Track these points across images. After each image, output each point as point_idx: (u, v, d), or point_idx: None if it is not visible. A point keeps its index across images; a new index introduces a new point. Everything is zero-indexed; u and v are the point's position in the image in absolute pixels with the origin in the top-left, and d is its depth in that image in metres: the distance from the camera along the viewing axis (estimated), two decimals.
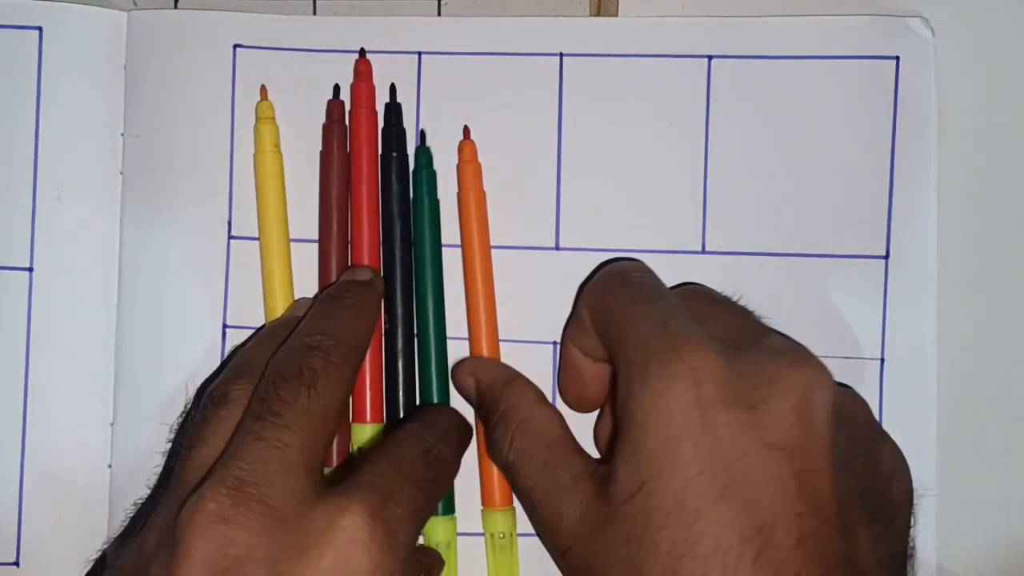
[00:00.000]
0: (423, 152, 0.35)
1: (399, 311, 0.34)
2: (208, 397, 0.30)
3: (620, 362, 0.29)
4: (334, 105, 0.35)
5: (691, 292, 0.32)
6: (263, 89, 0.35)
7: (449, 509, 0.34)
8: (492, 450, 0.32)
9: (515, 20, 0.35)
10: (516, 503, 0.34)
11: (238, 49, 0.35)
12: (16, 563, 0.35)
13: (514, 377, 0.33)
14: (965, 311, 0.36)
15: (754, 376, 0.27)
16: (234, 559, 0.25)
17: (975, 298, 0.36)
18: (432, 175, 0.35)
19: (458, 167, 0.35)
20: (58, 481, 0.35)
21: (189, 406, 0.34)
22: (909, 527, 0.29)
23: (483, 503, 0.34)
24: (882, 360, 0.35)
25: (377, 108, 0.35)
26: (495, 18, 0.36)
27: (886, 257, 0.35)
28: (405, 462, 0.29)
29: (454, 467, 0.32)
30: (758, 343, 0.28)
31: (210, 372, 0.35)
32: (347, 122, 0.35)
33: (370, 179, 0.34)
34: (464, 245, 0.35)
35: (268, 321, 0.34)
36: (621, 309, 0.30)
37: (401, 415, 0.34)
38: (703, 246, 0.35)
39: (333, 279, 0.34)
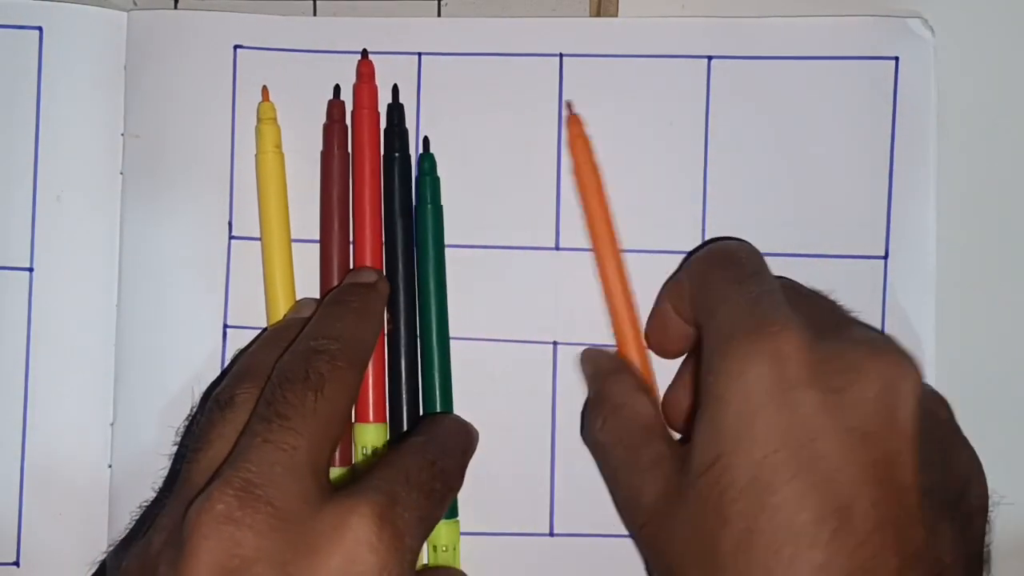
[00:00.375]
0: (427, 158, 0.35)
1: (402, 311, 0.34)
2: (214, 400, 0.30)
3: (706, 336, 0.29)
4: (335, 105, 0.35)
5: (784, 281, 0.33)
6: (264, 90, 0.35)
7: (452, 513, 0.34)
8: (584, 431, 0.33)
9: (515, 20, 0.35)
10: None
11: (238, 49, 0.35)
12: (16, 563, 0.35)
13: (620, 368, 0.34)
14: (965, 311, 0.36)
15: (839, 361, 0.27)
16: (242, 559, 0.25)
17: (975, 298, 0.36)
18: (436, 181, 0.35)
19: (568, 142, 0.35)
20: (58, 481, 0.35)
21: (195, 410, 0.34)
22: (985, 532, 0.29)
23: None
24: None
25: (378, 109, 0.35)
26: (495, 18, 0.36)
27: (886, 257, 0.35)
28: (411, 472, 0.29)
29: (459, 478, 0.32)
30: (845, 330, 0.28)
31: (212, 373, 0.35)
32: (348, 122, 0.35)
33: (372, 180, 0.34)
34: (591, 230, 0.35)
35: (270, 322, 0.34)
36: (717, 286, 0.30)
37: (404, 415, 0.34)
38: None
39: (335, 279, 0.34)
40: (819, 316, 0.29)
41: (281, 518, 0.26)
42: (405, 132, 0.35)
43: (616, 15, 0.36)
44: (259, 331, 0.35)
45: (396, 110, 0.35)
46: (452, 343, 0.35)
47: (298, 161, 0.35)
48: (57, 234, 0.35)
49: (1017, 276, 0.36)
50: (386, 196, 0.35)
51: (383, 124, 0.35)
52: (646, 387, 0.33)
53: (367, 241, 0.34)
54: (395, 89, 0.35)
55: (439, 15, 0.36)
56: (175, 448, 0.34)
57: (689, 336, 0.33)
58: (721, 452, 0.26)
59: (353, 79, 0.35)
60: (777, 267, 0.35)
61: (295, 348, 0.30)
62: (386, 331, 0.34)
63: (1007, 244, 0.36)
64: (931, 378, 0.35)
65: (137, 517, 0.34)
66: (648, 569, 0.30)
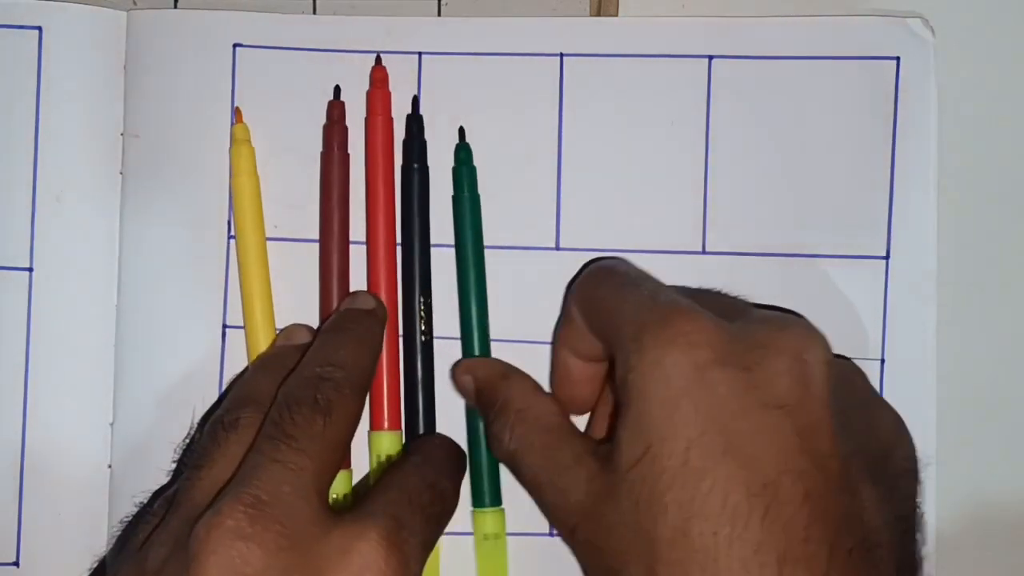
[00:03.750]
0: (463, 148, 0.35)
1: (419, 319, 0.34)
2: (217, 422, 0.30)
3: (614, 341, 0.29)
4: (334, 106, 0.35)
5: (675, 286, 0.33)
6: (238, 111, 0.35)
7: (496, 500, 0.34)
8: (493, 443, 0.32)
9: (515, 20, 0.35)
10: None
11: (238, 49, 0.35)
12: (16, 563, 0.35)
13: (510, 371, 0.34)
14: (965, 311, 0.36)
15: (747, 340, 0.27)
16: None
17: (975, 298, 0.36)
18: (472, 171, 0.35)
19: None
20: (58, 481, 0.35)
21: (193, 432, 0.34)
22: (914, 493, 0.29)
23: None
24: (882, 360, 0.35)
25: (391, 115, 0.35)
26: (495, 18, 0.36)
27: (886, 257, 0.35)
28: (414, 494, 0.29)
29: (455, 499, 0.32)
30: (747, 313, 0.29)
31: (212, 373, 0.35)
32: (346, 123, 0.35)
33: (386, 187, 0.34)
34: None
35: (250, 354, 0.34)
36: (610, 295, 0.30)
37: (421, 423, 0.34)
38: (703, 246, 0.35)
39: (334, 280, 0.34)
40: (718, 304, 0.29)
41: (290, 537, 0.26)
42: (424, 144, 0.35)
43: (616, 15, 0.36)
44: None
45: (415, 121, 0.35)
46: (452, 343, 0.35)
47: (297, 161, 0.35)
48: (57, 234, 0.35)
49: (1018, 275, 0.36)
50: (404, 206, 0.35)
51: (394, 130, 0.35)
52: (540, 387, 0.33)
53: (380, 248, 0.34)
54: (415, 100, 0.35)
55: (439, 15, 0.36)
56: (173, 465, 0.34)
57: (597, 379, 0.33)
58: (649, 443, 0.26)
59: (353, 78, 0.35)
60: (777, 267, 0.35)
61: (301, 373, 0.31)
62: (400, 336, 0.34)
63: (1008, 244, 0.36)
64: (932, 378, 0.35)
65: (119, 532, 0.34)
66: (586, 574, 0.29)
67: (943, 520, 0.35)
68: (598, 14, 0.36)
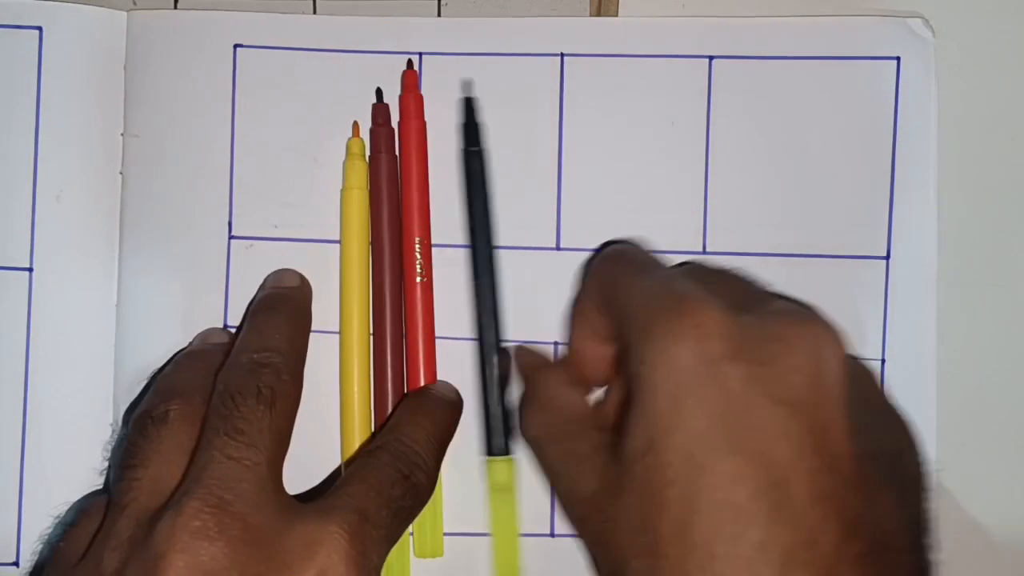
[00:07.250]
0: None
1: (491, 309, 0.35)
2: (145, 417, 0.30)
3: (626, 329, 0.28)
4: (379, 110, 0.35)
5: (692, 265, 0.33)
6: (355, 125, 0.35)
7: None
8: (521, 428, 0.33)
9: (515, 20, 0.35)
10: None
11: (238, 49, 0.35)
12: (16, 563, 0.35)
13: (546, 362, 0.34)
14: (965, 311, 0.36)
15: (762, 333, 0.26)
16: None
17: (975, 298, 0.36)
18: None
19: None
20: (58, 481, 0.35)
21: (118, 427, 0.34)
22: (926, 497, 0.28)
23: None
24: (882, 360, 0.35)
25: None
26: (495, 18, 0.36)
27: (886, 257, 0.35)
28: (384, 487, 0.29)
29: (429, 492, 0.31)
30: (764, 303, 0.28)
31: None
32: (348, 122, 0.35)
33: (420, 188, 0.34)
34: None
35: (343, 363, 0.34)
36: (625, 280, 0.30)
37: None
38: (703, 246, 0.35)
39: (386, 290, 0.34)
40: (735, 292, 0.29)
41: (255, 534, 0.26)
42: (477, 125, 0.35)
43: (616, 15, 0.36)
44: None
45: (467, 104, 0.35)
46: (452, 343, 0.35)
47: (296, 160, 0.35)
48: (57, 234, 0.35)
49: (1018, 276, 0.36)
50: (470, 192, 0.35)
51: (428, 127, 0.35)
52: (570, 379, 0.33)
53: (415, 247, 0.34)
54: (468, 83, 0.35)
55: (439, 15, 0.36)
56: (105, 463, 0.34)
57: (607, 359, 0.32)
58: (654, 436, 0.26)
59: (353, 78, 0.35)
60: (777, 267, 0.35)
61: (238, 361, 0.30)
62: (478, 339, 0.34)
63: (1008, 244, 0.36)
64: (932, 378, 0.35)
65: (41, 548, 0.34)
66: (596, 570, 0.29)
67: (943, 521, 0.35)
68: (598, 14, 0.36)
